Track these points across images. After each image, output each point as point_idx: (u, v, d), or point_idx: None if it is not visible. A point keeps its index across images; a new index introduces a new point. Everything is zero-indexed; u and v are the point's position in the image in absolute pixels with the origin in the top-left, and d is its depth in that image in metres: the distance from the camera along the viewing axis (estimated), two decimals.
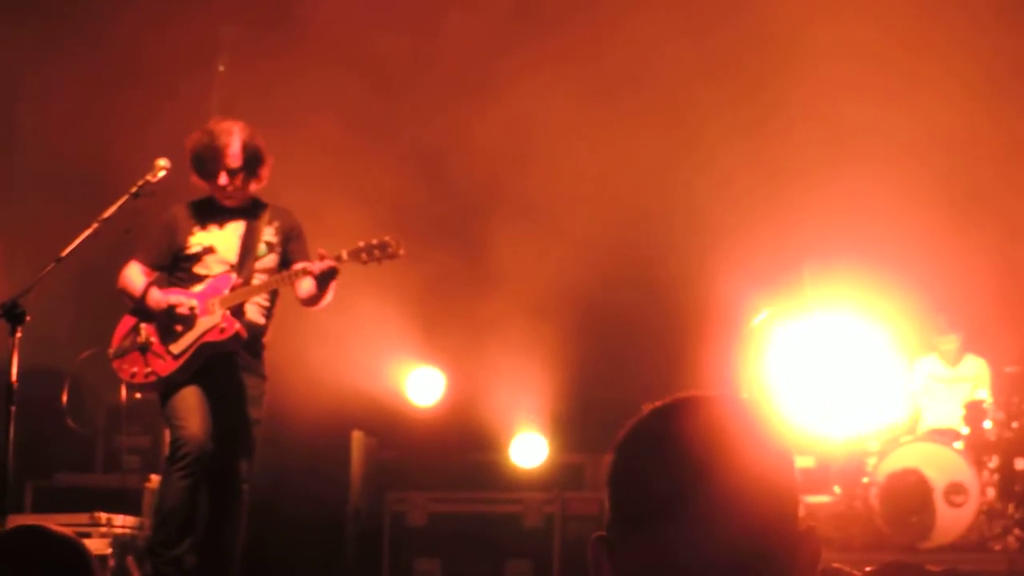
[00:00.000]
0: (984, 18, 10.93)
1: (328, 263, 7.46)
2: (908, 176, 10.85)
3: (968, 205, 10.94)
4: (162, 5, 11.01)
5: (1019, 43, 11.05)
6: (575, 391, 11.11)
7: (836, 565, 2.22)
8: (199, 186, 7.84)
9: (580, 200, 11.23)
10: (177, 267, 7.83)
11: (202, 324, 7.63)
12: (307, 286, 7.61)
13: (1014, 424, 10.14)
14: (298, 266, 7.67)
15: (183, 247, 7.80)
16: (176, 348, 7.64)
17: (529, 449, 11.21)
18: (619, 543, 2.02)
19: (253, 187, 7.82)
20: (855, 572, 2.21)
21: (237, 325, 7.62)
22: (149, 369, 7.67)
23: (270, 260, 7.83)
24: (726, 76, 11.21)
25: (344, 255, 7.49)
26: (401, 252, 7.51)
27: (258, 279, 7.74)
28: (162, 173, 7.57)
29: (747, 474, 1.97)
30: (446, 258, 11.00)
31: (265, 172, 7.79)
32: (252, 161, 7.72)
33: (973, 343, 10.86)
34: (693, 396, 2.07)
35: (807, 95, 11.04)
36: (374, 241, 7.48)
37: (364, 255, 7.49)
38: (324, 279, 7.51)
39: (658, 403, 2.06)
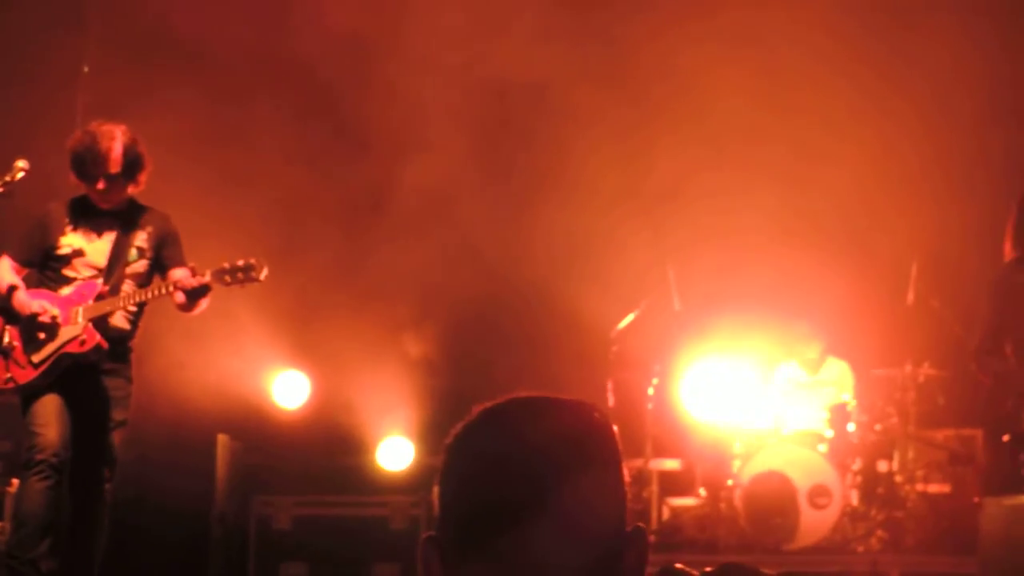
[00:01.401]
0: (845, 30, 11.12)
1: (199, 280, 7.39)
2: (768, 182, 10.98)
3: (828, 210, 11.10)
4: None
5: (880, 51, 11.24)
6: (441, 395, 11.06)
7: (677, 565, 2.23)
8: (75, 184, 7.69)
9: (446, 205, 11.21)
10: (47, 266, 7.69)
11: (64, 334, 7.50)
12: (179, 296, 7.53)
13: (877, 427, 10.30)
14: (171, 277, 7.58)
15: (54, 246, 7.66)
16: (37, 357, 7.52)
17: (395, 452, 11.13)
18: (453, 545, 2.01)
19: (131, 190, 7.71)
20: (694, 572, 2.22)
21: (98, 337, 7.51)
22: (8, 375, 7.55)
23: (140, 266, 7.71)
24: (597, 83, 11.25)
25: (208, 276, 7.42)
26: (263, 276, 7.46)
27: (127, 285, 7.63)
28: (20, 174, 7.45)
29: (588, 476, 1.99)
30: (314, 262, 10.92)
31: (143, 177, 7.68)
32: (132, 167, 7.61)
33: (835, 346, 10.99)
34: (524, 398, 2.07)
35: (675, 100, 11.14)
36: (239, 263, 7.42)
37: (227, 277, 7.43)
38: (194, 295, 7.45)
39: (489, 404, 2.06)
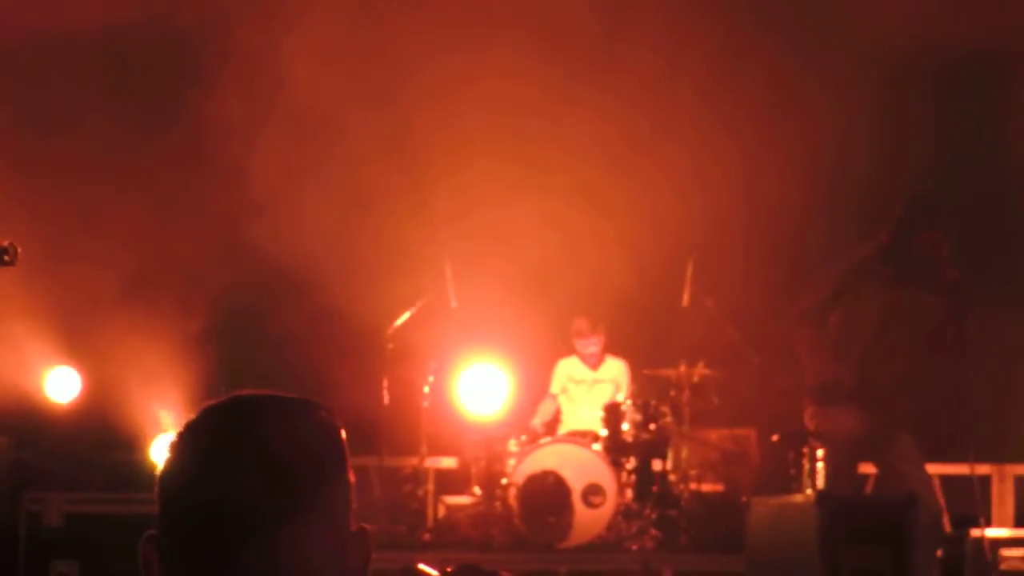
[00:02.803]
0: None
1: None
2: (547, 179, 11.01)
3: (604, 210, 11.16)
4: None
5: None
6: (213, 391, 10.82)
7: (420, 566, 2.16)
8: None
9: (218, 194, 11.02)
10: None
11: None
12: None
13: (651, 426, 10.35)
14: None
15: None
16: None
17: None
18: (173, 545, 1.99)
19: None
20: (435, 572, 2.15)
21: None
22: None
23: None
24: (370, 75, 11.18)
25: None
26: (16, 261, 7.14)
27: None
28: None
29: (313, 476, 1.98)
30: (87, 256, 10.63)
31: None
32: None
33: (613, 345, 11.03)
34: (249, 396, 2.05)
35: (447, 95, 11.12)
36: None
37: None
38: None
39: (214, 402, 2.04)
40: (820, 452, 8.50)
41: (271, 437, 1.99)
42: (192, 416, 2.04)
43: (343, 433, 2.06)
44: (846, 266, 7.69)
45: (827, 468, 8.28)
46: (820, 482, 8.52)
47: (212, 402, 2.04)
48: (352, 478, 2.05)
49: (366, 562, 2.04)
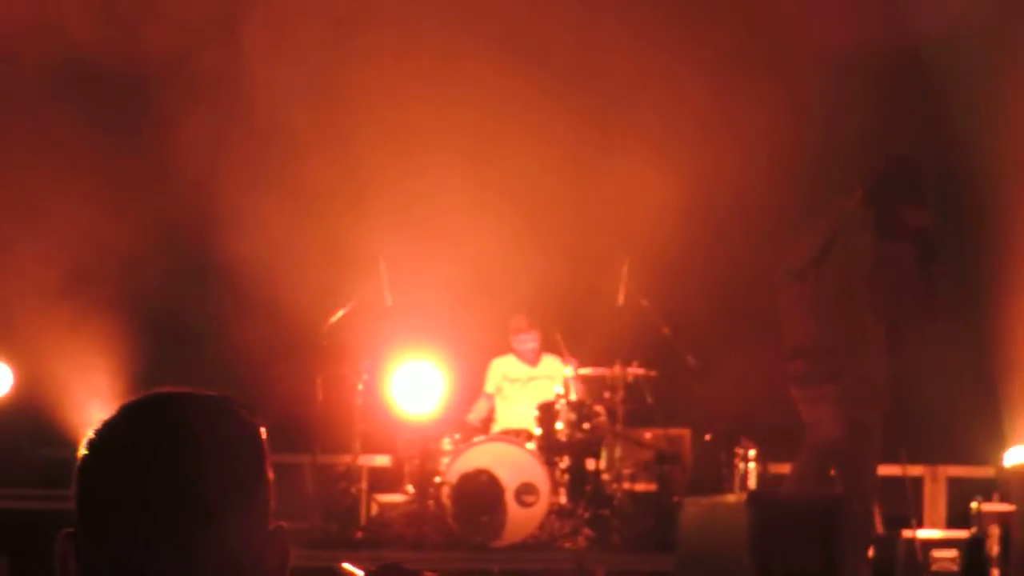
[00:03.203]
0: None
1: None
2: (484, 177, 11.01)
3: (541, 210, 11.17)
4: None
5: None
6: (147, 386, 10.75)
7: (343, 565, 2.16)
8: None
9: (146, 186, 10.96)
10: None
11: None
12: None
13: (585, 425, 10.35)
14: None
15: None
16: None
17: None
18: (89, 542, 1.97)
19: None
20: (361, 571, 2.15)
21: None
22: None
23: None
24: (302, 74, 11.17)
25: None
26: None
27: None
28: None
29: (229, 475, 1.97)
30: (19, 250, 10.55)
31: None
32: None
33: (550, 344, 11.03)
34: (166, 394, 2.03)
35: (380, 93, 11.11)
36: None
37: None
38: None
39: (132, 400, 2.02)
40: (752, 452, 8.56)
41: (189, 436, 1.97)
42: (110, 414, 2.02)
43: (263, 431, 2.05)
44: (832, 220, 7.55)
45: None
46: (752, 482, 8.58)
47: (131, 400, 2.03)
48: (271, 477, 2.04)
49: (285, 561, 2.04)
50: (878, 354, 7.71)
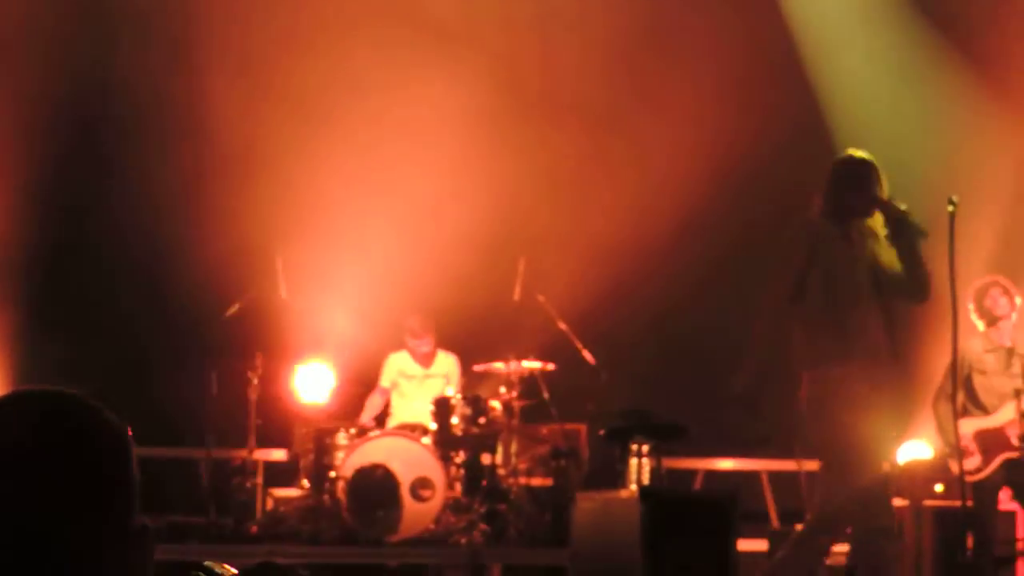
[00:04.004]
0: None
1: None
2: (382, 172, 10.99)
3: (442, 202, 11.17)
4: None
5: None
6: (31, 382, 10.62)
7: (209, 563, 2.14)
8: None
9: (56, 182, 10.84)
10: None
11: None
12: None
13: (481, 420, 10.36)
14: None
15: None
16: None
17: None
18: None
19: None
20: (230, 569, 2.14)
21: None
22: None
23: None
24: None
25: None
26: None
27: None
28: None
29: (83, 473, 1.94)
30: None
31: None
32: None
33: (444, 340, 11.01)
34: (24, 392, 2.00)
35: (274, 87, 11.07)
36: None
37: None
38: None
39: None
40: (645, 448, 8.58)
41: (48, 436, 1.95)
42: None
43: (127, 430, 2.02)
44: (807, 237, 7.46)
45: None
46: (645, 477, 8.59)
47: None
48: (136, 475, 2.01)
49: (149, 559, 2.01)
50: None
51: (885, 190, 7.30)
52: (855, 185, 7.35)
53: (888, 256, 7.32)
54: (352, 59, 11.00)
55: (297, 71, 11.04)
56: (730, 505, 8.11)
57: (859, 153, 7.45)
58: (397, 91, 11.13)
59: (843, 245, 7.30)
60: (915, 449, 10.28)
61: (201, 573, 2.15)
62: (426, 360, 10.99)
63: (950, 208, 7.24)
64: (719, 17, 11.59)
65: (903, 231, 7.22)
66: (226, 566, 2.17)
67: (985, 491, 9.15)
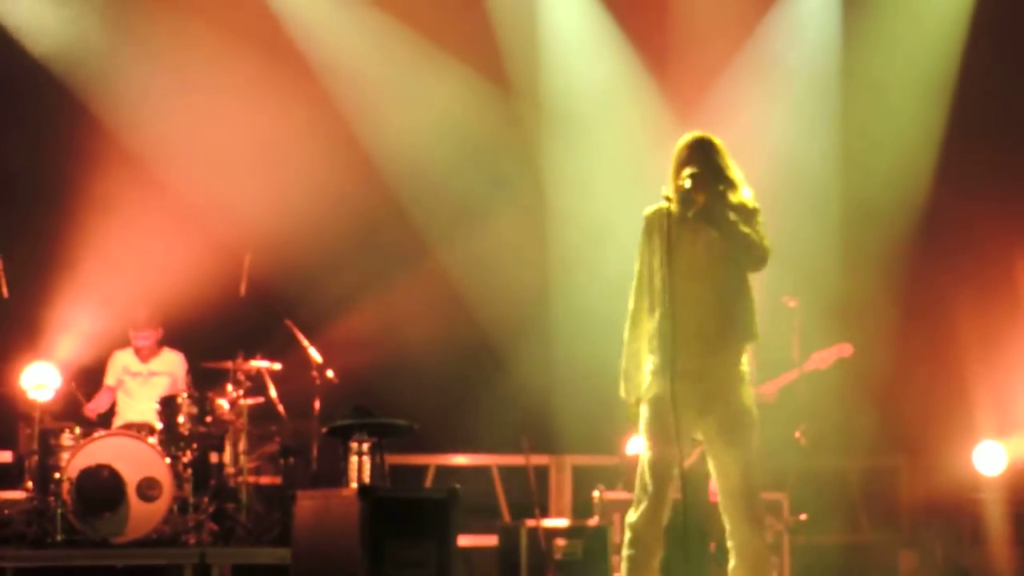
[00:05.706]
0: None
1: None
2: (107, 167, 10.88)
3: (174, 194, 11.10)
4: None
5: None
6: None
7: None
8: None
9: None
10: None
11: None
12: None
13: (208, 418, 10.29)
14: None
15: None
16: None
17: None
18: None
19: None
20: None
21: None
22: None
23: None
24: None
25: None
26: None
27: None
28: None
29: None
30: None
31: None
32: None
33: (172, 338, 10.92)
34: None
35: None
36: None
37: None
38: None
39: None
40: (366, 446, 8.63)
41: None
42: None
43: None
44: (659, 227, 7.16)
45: None
46: (366, 475, 8.64)
47: None
48: None
49: None
50: None
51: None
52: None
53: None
54: None
55: None
56: (451, 502, 8.20)
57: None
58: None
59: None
60: None
61: None
62: (146, 355, 10.86)
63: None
64: None
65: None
66: None
67: None
